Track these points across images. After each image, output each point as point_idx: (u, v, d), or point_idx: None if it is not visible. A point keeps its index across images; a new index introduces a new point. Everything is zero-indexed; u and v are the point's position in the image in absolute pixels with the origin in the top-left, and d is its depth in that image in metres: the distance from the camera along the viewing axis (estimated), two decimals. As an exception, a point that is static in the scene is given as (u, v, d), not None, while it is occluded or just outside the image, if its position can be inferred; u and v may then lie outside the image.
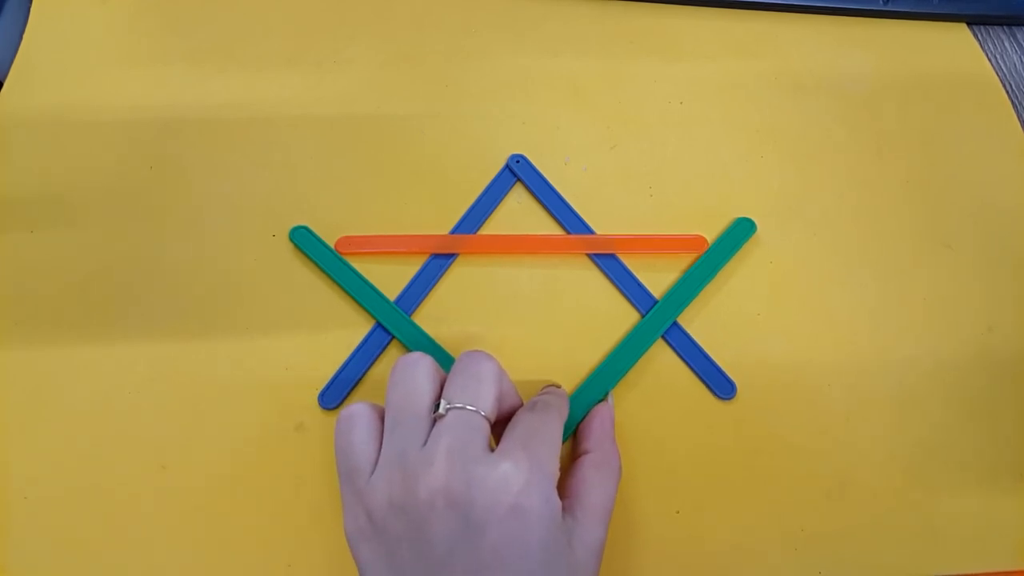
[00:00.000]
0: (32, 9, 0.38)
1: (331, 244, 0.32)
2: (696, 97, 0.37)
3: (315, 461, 0.28)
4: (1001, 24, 0.41)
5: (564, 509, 0.23)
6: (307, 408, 0.29)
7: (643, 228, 0.33)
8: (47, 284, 0.31)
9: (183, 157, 0.34)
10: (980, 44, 0.40)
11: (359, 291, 0.31)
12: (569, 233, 0.33)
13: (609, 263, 0.33)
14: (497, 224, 0.33)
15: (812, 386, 0.31)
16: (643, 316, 0.31)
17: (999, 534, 0.29)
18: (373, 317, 0.31)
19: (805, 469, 0.29)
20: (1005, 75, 0.39)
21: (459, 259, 0.32)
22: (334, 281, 0.32)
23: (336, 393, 0.29)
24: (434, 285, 0.32)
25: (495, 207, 0.34)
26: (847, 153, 0.36)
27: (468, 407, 0.23)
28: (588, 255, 0.33)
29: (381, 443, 0.24)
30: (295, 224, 0.33)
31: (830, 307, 0.32)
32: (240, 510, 0.28)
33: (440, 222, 0.33)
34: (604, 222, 0.34)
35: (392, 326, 0.31)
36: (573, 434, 0.29)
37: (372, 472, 0.23)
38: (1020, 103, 0.38)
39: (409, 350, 0.29)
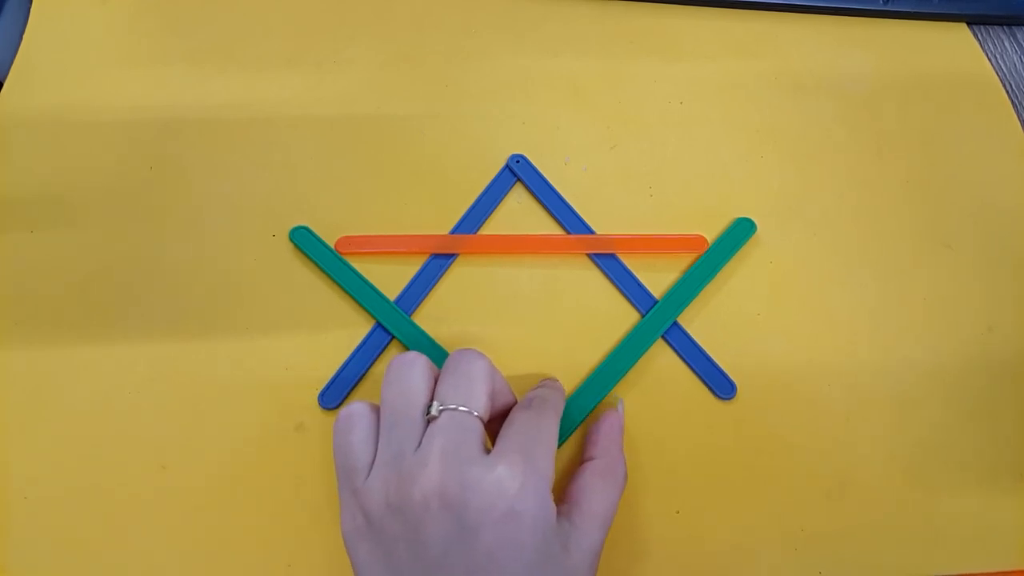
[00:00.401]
0: (32, 9, 0.38)
1: (331, 244, 0.32)
2: (696, 97, 0.37)
3: (315, 461, 0.28)
4: (1001, 24, 0.41)
5: (563, 513, 0.23)
6: (307, 408, 0.29)
7: (643, 228, 0.33)
8: (47, 284, 0.31)
9: (183, 157, 0.34)
10: (980, 44, 0.40)
11: (359, 291, 0.31)
12: (569, 233, 0.33)
13: (609, 263, 0.33)
14: (497, 224, 0.33)
15: (812, 386, 0.31)
16: (643, 316, 0.31)
17: (999, 534, 0.28)
18: (373, 317, 0.31)
19: (805, 469, 0.29)
20: (1005, 75, 0.39)
21: (459, 259, 0.33)
22: (334, 281, 0.32)
23: (336, 393, 0.29)
24: (434, 285, 0.32)
25: (495, 207, 0.34)
26: (847, 153, 0.36)
27: (461, 408, 0.23)
28: (588, 255, 0.33)
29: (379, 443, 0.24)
30: (295, 224, 0.33)
31: (830, 307, 0.32)
32: (240, 510, 0.28)
33: (440, 222, 0.33)
34: (604, 222, 0.34)
35: (392, 326, 0.31)
36: (579, 435, 0.28)
37: (369, 472, 0.23)
38: (1020, 103, 0.38)
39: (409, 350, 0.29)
